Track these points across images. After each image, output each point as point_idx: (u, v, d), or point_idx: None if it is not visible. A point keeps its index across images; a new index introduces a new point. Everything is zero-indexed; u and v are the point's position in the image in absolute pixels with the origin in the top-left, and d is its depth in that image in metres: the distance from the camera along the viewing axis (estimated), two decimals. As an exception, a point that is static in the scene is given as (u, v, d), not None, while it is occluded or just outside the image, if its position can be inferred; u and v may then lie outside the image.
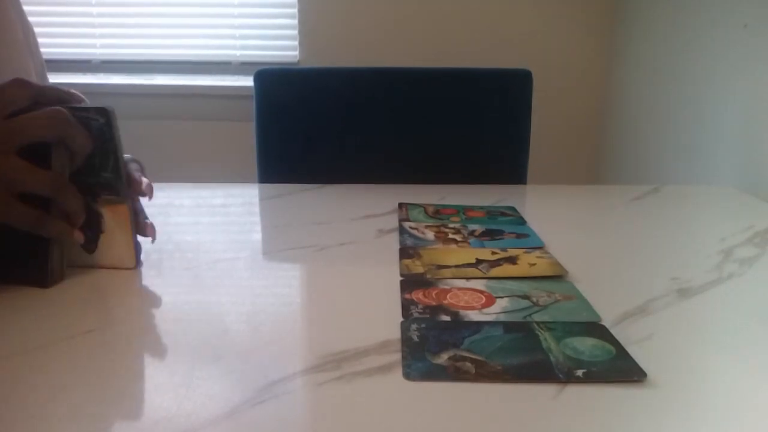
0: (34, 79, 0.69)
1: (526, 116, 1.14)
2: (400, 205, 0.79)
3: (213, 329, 0.47)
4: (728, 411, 0.37)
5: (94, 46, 1.88)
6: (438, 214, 0.76)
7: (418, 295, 0.52)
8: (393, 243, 0.65)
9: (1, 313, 0.48)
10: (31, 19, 0.72)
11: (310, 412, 0.37)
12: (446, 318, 0.48)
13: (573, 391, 0.38)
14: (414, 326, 0.46)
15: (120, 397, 0.37)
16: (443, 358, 0.42)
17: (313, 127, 1.14)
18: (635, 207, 0.83)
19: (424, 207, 0.78)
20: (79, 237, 0.52)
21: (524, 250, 0.63)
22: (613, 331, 0.46)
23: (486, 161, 1.15)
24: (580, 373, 0.40)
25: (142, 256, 0.58)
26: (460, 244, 0.65)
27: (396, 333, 0.45)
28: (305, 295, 0.55)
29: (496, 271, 0.58)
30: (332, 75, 1.16)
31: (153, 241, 0.58)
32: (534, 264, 0.59)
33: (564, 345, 0.43)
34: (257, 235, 0.72)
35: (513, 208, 0.78)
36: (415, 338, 0.44)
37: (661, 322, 0.48)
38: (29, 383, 0.38)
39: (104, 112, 0.52)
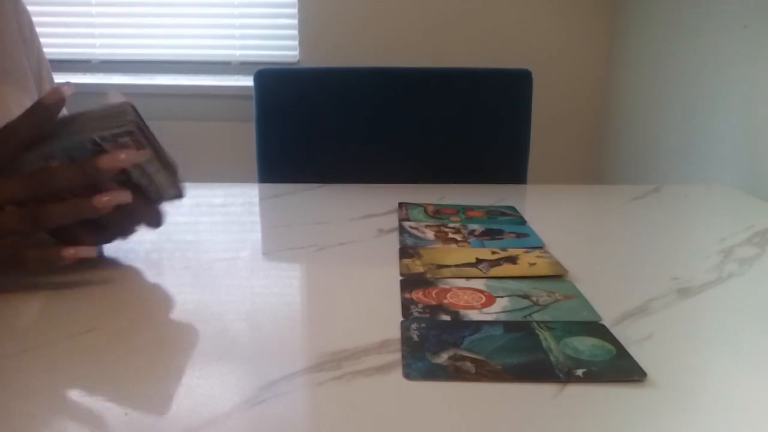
0: (28, 74, 0.68)
1: (526, 116, 1.14)
2: (400, 204, 0.79)
3: (213, 329, 0.47)
4: (728, 411, 0.37)
5: (93, 45, 1.88)
6: (438, 213, 0.76)
7: (418, 295, 0.52)
8: (393, 243, 0.65)
9: (1, 312, 0.48)
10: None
11: (310, 411, 0.37)
12: (446, 317, 0.48)
13: (573, 390, 0.38)
14: (414, 326, 0.46)
15: (120, 397, 0.37)
16: (443, 358, 0.42)
17: (313, 127, 1.14)
18: (635, 207, 0.83)
19: (424, 207, 0.78)
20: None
21: (524, 249, 0.63)
22: (613, 331, 0.46)
23: (486, 161, 1.15)
24: (580, 372, 0.40)
25: (142, 257, 0.58)
26: (460, 243, 0.65)
27: (396, 332, 0.45)
28: (305, 294, 0.55)
29: (496, 271, 0.57)
30: (332, 75, 1.16)
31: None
32: (534, 263, 0.59)
33: (564, 344, 0.43)
34: (257, 235, 0.72)
35: (513, 208, 0.78)
36: (415, 338, 0.44)
37: (661, 322, 0.48)
38: (29, 383, 0.38)
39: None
